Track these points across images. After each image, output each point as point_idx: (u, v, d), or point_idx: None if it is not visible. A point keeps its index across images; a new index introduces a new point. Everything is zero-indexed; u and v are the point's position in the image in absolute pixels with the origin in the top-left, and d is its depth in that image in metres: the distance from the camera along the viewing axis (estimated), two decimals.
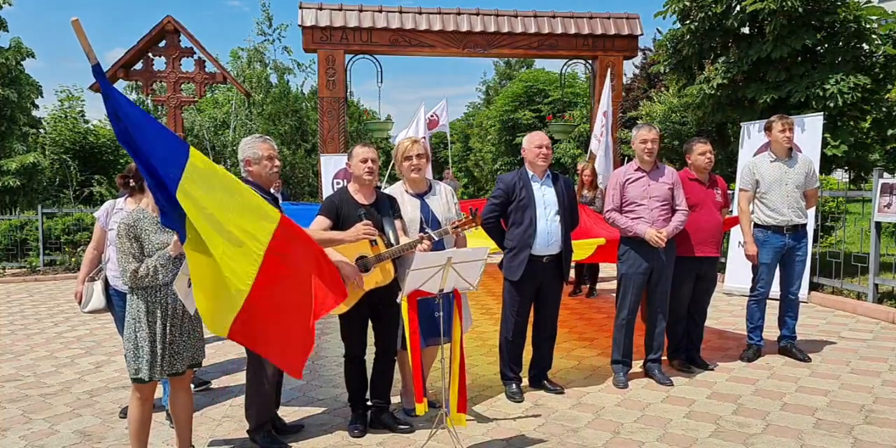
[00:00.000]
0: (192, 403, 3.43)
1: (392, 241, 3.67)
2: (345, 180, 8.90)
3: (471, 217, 3.69)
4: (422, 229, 3.88)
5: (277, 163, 3.64)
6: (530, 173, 4.32)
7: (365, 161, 3.73)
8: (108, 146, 18.59)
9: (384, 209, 3.76)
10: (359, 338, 3.81)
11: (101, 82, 2.63)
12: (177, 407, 3.34)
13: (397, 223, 3.78)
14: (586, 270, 8.19)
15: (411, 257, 3.39)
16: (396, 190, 4.02)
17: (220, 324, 2.97)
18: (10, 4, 14.43)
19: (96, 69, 2.60)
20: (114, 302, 4.06)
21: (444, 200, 4.04)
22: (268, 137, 3.69)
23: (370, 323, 3.85)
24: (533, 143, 4.28)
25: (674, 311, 4.78)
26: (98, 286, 4.06)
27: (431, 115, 11.12)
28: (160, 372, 3.12)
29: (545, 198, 4.26)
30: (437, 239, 3.66)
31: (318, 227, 3.69)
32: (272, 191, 3.85)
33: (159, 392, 4.00)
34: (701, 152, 4.78)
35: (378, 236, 3.60)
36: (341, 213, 3.70)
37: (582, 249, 4.82)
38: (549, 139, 4.33)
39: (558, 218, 4.26)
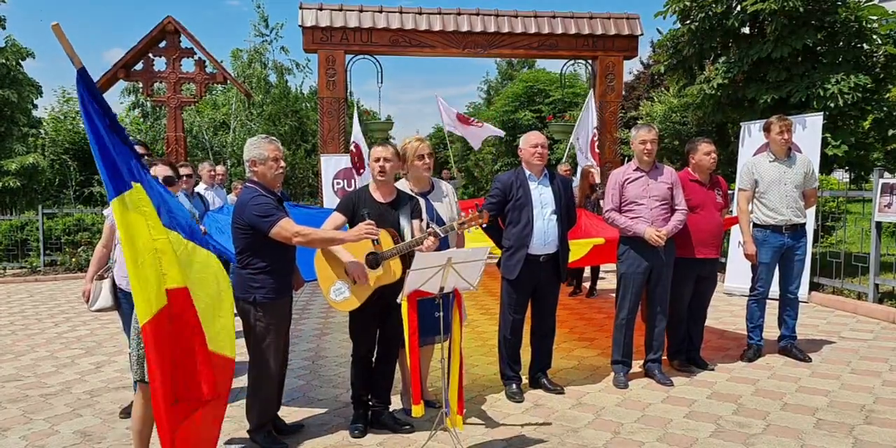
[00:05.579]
0: None
1: (407, 238, 3.66)
2: (345, 180, 8.91)
3: (477, 214, 3.65)
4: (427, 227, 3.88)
5: (283, 164, 3.62)
6: (527, 173, 4.32)
7: (377, 160, 3.70)
8: None
9: (403, 208, 3.74)
10: (367, 337, 3.79)
11: (79, 88, 2.60)
12: None
13: (416, 223, 3.73)
14: (591, 270, 8.21)
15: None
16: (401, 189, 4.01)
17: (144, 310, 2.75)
18: (3, 2, 14.45)
19: (81, 73, 2.57)
20: (121, 301, 4.05)
21: (448, 200, 4.07)
22: (274, 138, 3.66)
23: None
24: (529, 142, 4.29)
25: (674, 312, 4.77)
26: (106, 284, 4.04)
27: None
28: None
29: (542, 197, 4.27)
30: (442, 235, 3.62)
31: (332, 223, 3.69)
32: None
33: None
34: (706, 152, 4.75)
35: (384, 232, 3.57)
36: (358, 212, 3.66)
37: (578, 248, 4.81)
38: (545, 138, 4.34)
39: (555, 217, 4.26)
